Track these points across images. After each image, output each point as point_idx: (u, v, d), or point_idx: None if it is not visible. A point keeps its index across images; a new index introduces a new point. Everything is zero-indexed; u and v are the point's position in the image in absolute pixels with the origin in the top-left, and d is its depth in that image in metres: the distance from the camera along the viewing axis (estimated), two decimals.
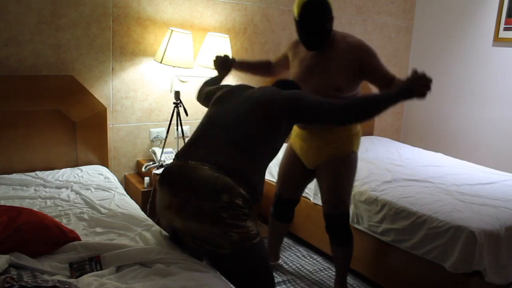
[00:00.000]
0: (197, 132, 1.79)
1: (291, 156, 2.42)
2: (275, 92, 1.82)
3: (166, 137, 2.81)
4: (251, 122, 1.73)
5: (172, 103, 2.82)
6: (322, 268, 2.72)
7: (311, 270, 2.70)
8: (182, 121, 2.81)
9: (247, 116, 1.74)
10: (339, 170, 2.22)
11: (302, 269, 2.70)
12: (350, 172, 2.25)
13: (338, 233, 2.27)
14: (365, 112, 1.74)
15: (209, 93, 2.03)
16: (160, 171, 2.68)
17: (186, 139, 3.01)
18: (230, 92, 1.90)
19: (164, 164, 2.76)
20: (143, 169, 2.82)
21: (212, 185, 1.55)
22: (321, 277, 2.61)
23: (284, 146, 2.29)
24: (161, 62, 2.69)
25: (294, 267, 2.72)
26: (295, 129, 2.35)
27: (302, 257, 2.84)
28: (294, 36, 2.25)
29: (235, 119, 1.74)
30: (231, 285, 1.52)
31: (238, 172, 1.61)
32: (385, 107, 1.74)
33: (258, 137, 1.72)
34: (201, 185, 1.56)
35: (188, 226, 1.58)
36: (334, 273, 2.59)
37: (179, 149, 1.77)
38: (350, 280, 2.55)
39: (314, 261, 2.80)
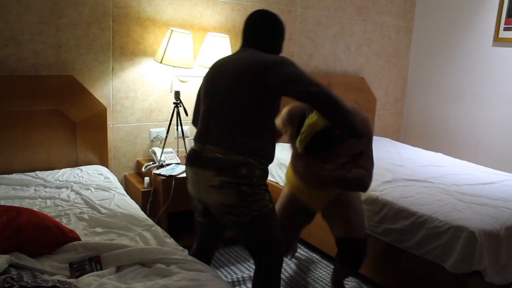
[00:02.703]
0: (202, 119, 1.86)
1: (292, 203, 2.30)
2: (262, 56, 1.78)
3: (166, 137, 2.80)
4: (240, 99, 1.74)
5: (172, 103, 2.82)
6: (320, 266, 2.72)
7: (309, 267, 2.70)
8: (182, 121, 2.81)
9: (235, 92, 1.75)
10: (353, 196, 2.21)
11: (301, 266, 2.70)
12: (360, 198, 2.30)
13: (354, 261, 2.18)
14: (335, 107, 1.71)
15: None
16: (160, 171, 2.68)
17: (186, 139, 3.02)
18: (214, 73, 1.87)
19: (164, 164, 2.76)
20: (143, 169, 2.82)
21: (231, 163, 1.71)
22: (320, 275, 2.62)
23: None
24: (161, 62, 2.69)
25: (292, 265, 2.73)
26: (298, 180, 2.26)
27: (300, 255, 2.85)
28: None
29: (226, 102, 1.76)
30: (230, 285, 1.53)
31: (246, 149, 1.74)
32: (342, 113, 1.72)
33: (251, 112, 1.74)
34: (223, 163, 1.72)
35: (216, 200, 1.75)
36: (331, 270, 2.60)
37: (196, 133, 1.89)
38: (350, 279, 2.55)
39: (312, 258, 2.80)
